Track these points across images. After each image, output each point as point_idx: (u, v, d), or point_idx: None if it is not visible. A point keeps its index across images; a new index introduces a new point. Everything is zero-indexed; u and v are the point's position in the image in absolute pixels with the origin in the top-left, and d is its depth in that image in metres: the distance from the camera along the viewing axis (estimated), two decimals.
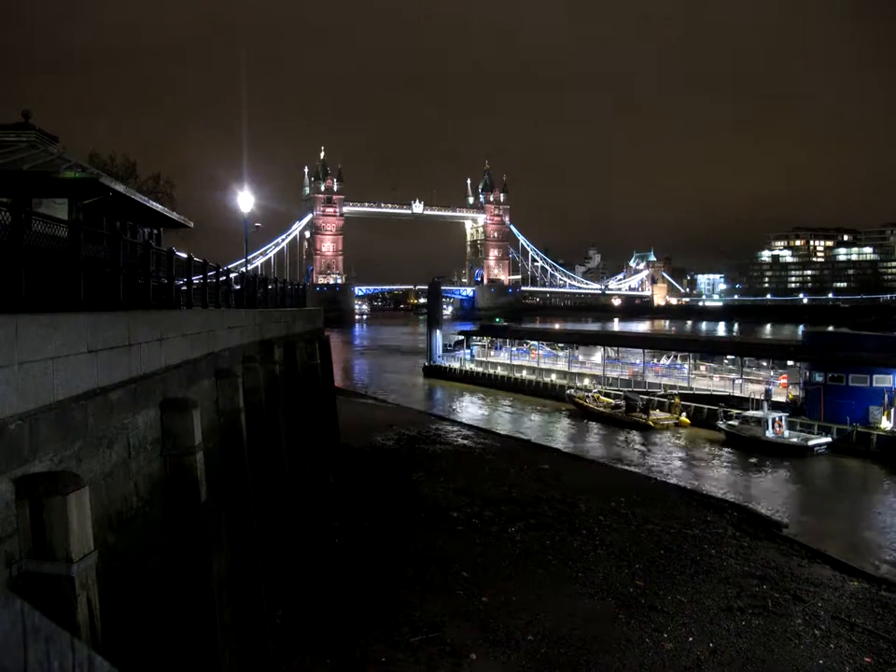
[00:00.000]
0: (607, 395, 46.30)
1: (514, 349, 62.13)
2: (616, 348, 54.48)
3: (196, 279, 14.37)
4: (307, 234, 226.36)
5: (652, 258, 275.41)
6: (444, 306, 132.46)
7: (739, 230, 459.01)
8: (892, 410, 33.93)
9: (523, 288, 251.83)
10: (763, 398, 38.41)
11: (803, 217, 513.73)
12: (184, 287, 13.57)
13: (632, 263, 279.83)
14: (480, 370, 61.17)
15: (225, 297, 16.67)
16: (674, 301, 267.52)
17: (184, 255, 14.10)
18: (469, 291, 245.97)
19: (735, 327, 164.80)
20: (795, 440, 34.19)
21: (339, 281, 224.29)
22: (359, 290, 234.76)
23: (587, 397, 45.93)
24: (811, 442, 33.70)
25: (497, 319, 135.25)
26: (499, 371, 58.98)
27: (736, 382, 42.83)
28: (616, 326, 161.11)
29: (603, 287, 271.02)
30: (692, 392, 43.75)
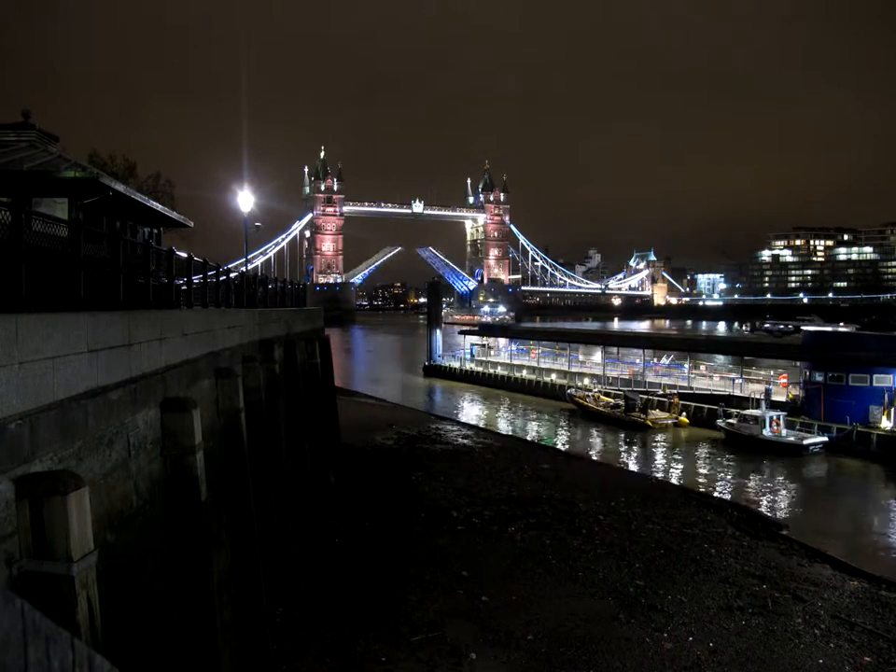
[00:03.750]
0: (607, 394, 46.31)
1: (514, 348, 62.17)
2: (616, 347, 54.52)
3: (196, 279, 14.37)
4: (307, 234, 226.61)
5: (652, 257, 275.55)
6: (444, 306, 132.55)
7: (739, 230, 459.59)
8: (892, 409, 33.93)
9: (523, 288, 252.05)
10: (762, 397, 38.44)
11: (803, 216, 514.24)
12: (184, 287, 13.57)
13: (632, 263, 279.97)
14: (480, 369, 61.17)
15: (225, 296, 16.67)
16: (674, 300, 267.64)
17: (184, 254, 14.10)
18: (471, 284, 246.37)
19: (735, 326, 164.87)
20: (791, 438, 34.22)
21: (339, 280, 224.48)
22: (357, 279, 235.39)
23: (587, 396, 45.93)
24: (806, 441, 33.73)
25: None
26: (499, 370, 58.99)
27: (736, 381, 42.84)
28: (616, 325, 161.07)
29: (603, 287, 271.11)
30: (692, 392, 43.75)
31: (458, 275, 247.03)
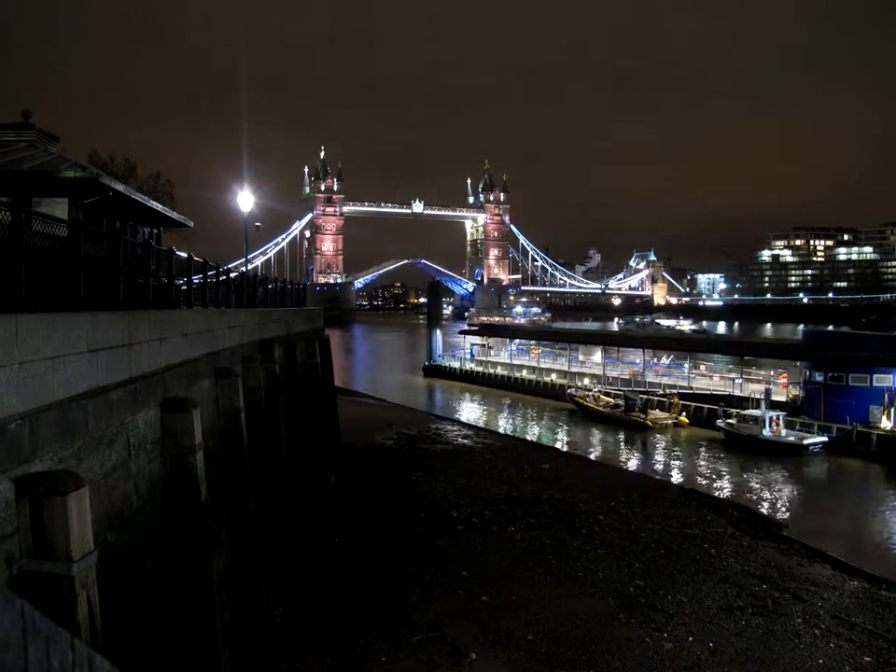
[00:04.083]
0: (607, 394, 46.31)
1: (514, 348, 62.16)
2: (616, 347, 54.53)
3: (196, 279, 14.37)
4: (307, 234, 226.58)
5: (652, 257, 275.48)
6: (444, 306, 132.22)
7: (739, 230, 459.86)
8: (892, 409, 33.93)
9: (523, 288, 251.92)
10: (762, 397, 38.44)
11: (803, 216, 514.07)
12: (184, 287, 13.56)
13: (632, 263, 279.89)
14: (480, 369, 61.16)
15: (225, 296, 16.67)
16: (674, 300, 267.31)
17: (184, 254, 14.10)
18: (469, 286, 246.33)
19: (736, 326, 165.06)
20: (791, 438, 34.24)
21: (339, 280, 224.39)
22: (358, 283, 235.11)
23: (587, 396, 45.94)
24: (806, 441, 33.75)
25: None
26: (499, 370, 58.98)
27: (736, 381, 42.83)
28: (616, 325, 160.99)
29: (603, 287, 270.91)
30: (692, 392, 43.74)
31: (455, 280, 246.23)
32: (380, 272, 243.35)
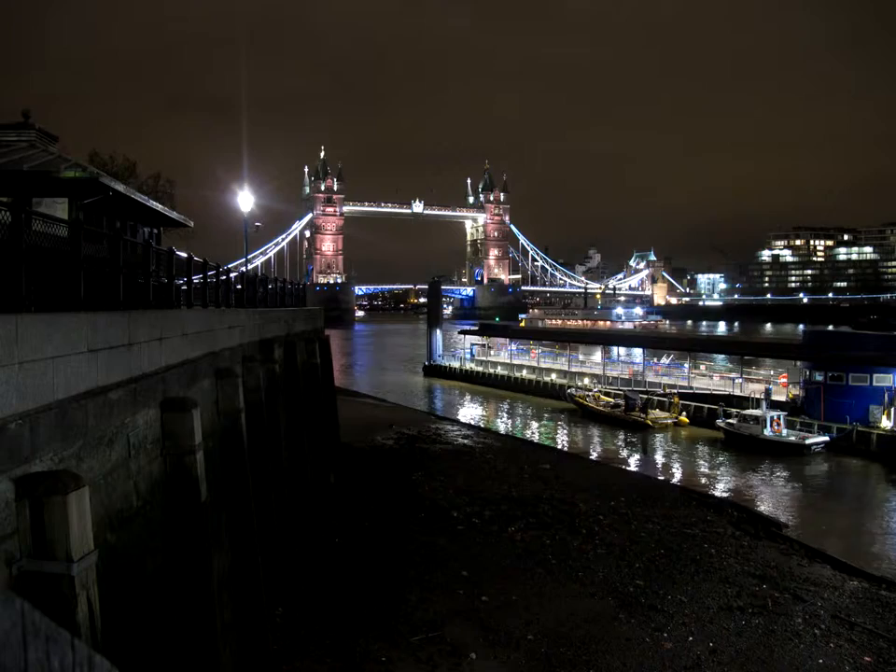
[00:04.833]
0: (607, 394, 46.31)
1: (514, 348, 62.16)
2: (616, 347, 54.55)
3: (196, 279, 14.37)
4: (307, 234, 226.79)
5: (652, 257, 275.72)
6: (444, 306, 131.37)
7: (739, 230, 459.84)
8: (892, 409, 33.93)
9: (523, 288, 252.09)
10: (762, 397, 38.43)
11: (803, 216, 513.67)
12: (184, 287, 13.56)
13: (632, 263, 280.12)
14: (480, 369, 61.16)
15: (225, 296, 16.67)
16: (674, 300, 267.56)
17: (184, 254, 14.10)
18: (468, 291, 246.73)
19: (736, 326, 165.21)
20: (793, 438, 34.23)
21: (339, 280, 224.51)
22: (359, 290, 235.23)
23: (587, 396, 45.94)
24: (808, 441, 33.74)
25: (496, 318, 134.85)
26: (499, 370, 58.98)
27: (736, 381, 42.83)
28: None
29: (603, 287, 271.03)
30: (692, 391, 43.74)
31: (454, 291, 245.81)
32: (382, 288, 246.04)
